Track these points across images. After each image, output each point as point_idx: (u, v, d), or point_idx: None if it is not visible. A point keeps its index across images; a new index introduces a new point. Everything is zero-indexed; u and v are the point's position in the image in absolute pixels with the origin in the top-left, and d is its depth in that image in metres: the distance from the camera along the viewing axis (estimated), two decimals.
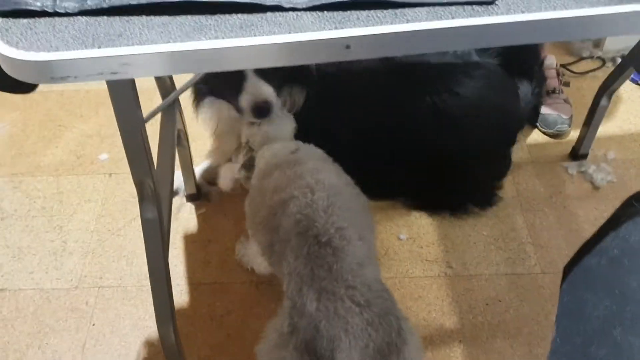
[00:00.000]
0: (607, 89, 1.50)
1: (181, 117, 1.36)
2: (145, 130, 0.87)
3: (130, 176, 1.03)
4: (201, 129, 1.74)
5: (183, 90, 1.07)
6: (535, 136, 1.75)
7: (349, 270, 0.90)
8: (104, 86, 0.81)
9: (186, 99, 1.86)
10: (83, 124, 1.80)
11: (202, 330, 1.32)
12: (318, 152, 1.20)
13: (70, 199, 1.59)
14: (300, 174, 1.06)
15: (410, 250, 1.47)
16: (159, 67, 0.53)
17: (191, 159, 1.51)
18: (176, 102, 1.29)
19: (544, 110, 1.73)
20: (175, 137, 1.24)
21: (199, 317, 1.34)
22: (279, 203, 1.04)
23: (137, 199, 0.95)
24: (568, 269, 0.71)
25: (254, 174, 1.20)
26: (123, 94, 0.73)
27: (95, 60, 0.51)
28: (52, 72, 0.52)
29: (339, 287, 0.88)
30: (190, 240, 1.51)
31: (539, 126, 1.75)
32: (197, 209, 1.58)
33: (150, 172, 0.92)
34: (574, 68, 1.94)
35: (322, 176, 1.05)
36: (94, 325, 1.33)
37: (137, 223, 1.50)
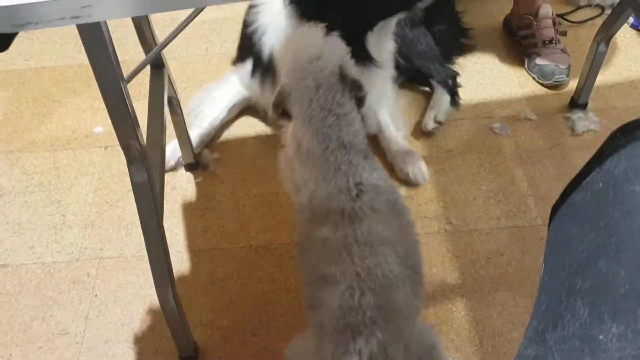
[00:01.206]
0: (605, 34, 1.46)
1: (171, 83, 1.34)
2: (126, 89, 0.85)
3: None
4: (190, 97, 1.74)
5: (164, 45, 1.04)
6: (533, 88, 1.72)
7: None
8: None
9: (177, 69, 1.85)
10: (76, 99, 1.78)
11: (203, 295, 1.32)
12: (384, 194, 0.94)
13: (67, 173, 1.59)
14: (351, 250, 0.85)
15: (409, 208, 1.45)
16: (122, 8, 0.52)
17: (186, 128, 1.50)
18: (164, 68, 1.27)
19: (541, 61, 1.70)
20: (165, 102, 1.22)
21: (200, 283, 1.34)
22: (320, 277, 0.88)
23: None
24: (556, 208, 0.69)
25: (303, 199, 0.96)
26: (97, 47, 0.71)
27: (54, 4, 0.50)
28: (12, 19, 0.50)
29: None
30: (188, 209, 1.50)
31: (536, 78, 1.72)
32: (194, 177, 1.57)
33: (135, 133, 0.91)
34: (571, 17, 1.90)
35: (377, 261, 0.85)
36: (96, 296, 1.33)
37: None
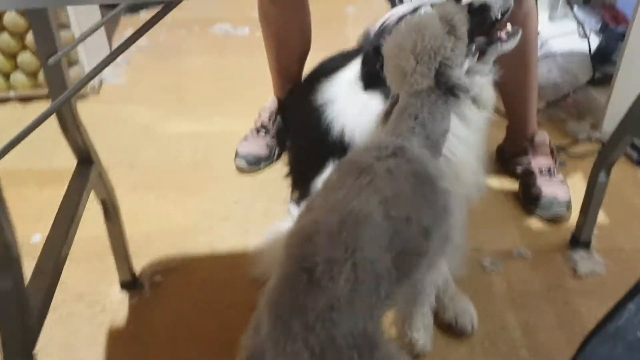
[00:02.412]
0: (605, 161, 1.30)
1: (105, 184, 1.16)
2: None
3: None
4: (146, 206, 1.56)
5: (77, 43, 0.82)
6: (528, 221, 1.52)
7: (314, 309, 0.75)
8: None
9: (141, 175, 1.69)
10: (23, 202, 1.61)
11: None
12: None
13: None
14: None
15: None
16: None
17: (124, 239, 1.30)
18: (94, 164, 1.10)
19: (538, 192, 1.52)
20: (84, 203, 1.03)
21: None
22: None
23: None
24: None
25: None
26: None
27: None
28: None
29: (295, 324, 0.75)
30: (114, 337, 1.26)
31: (532, 210, 1.53)
32: (130, 298, 1.35)
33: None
34: (570, 150, 1.75)
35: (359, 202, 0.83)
36: None
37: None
